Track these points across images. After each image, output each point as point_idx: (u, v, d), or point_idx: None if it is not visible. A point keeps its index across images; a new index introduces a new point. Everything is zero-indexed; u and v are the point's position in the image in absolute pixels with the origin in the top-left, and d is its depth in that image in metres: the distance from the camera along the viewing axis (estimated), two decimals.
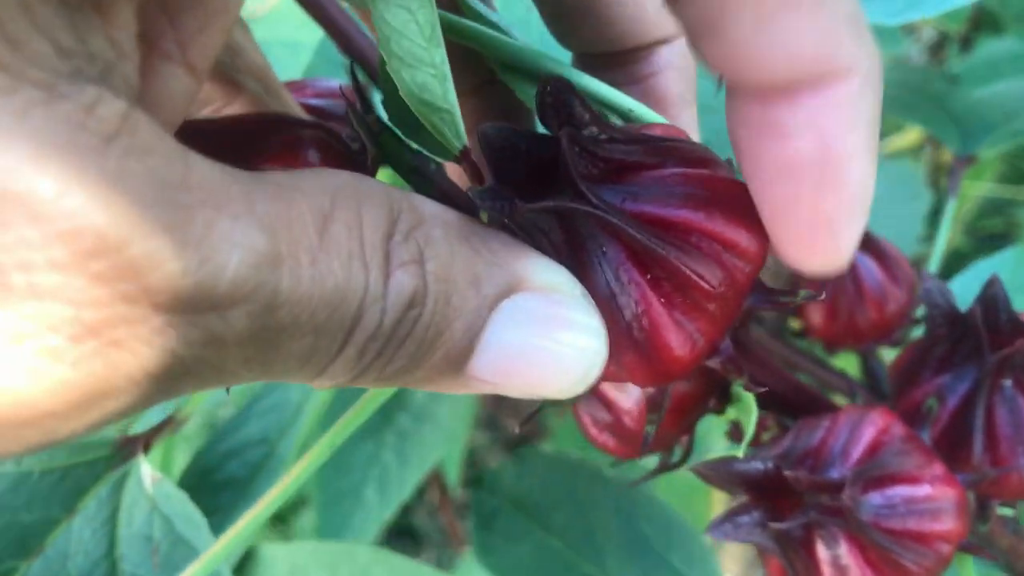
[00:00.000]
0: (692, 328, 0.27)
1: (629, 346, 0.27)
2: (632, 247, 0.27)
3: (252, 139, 0.30)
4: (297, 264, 0.20)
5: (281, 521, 1.05)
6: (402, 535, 1.26)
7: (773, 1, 0.23)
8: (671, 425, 0.41)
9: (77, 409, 0.18)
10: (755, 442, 0.44)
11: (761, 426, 0.44)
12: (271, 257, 0.20)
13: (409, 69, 0.27)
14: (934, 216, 0.90)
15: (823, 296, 0.28)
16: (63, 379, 0.17)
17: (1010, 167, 1.31)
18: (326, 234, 0.21)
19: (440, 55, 0.28)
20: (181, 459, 0.62)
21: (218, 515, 0.54)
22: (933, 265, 0.58)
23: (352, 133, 0.32)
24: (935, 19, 1.21)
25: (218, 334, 0.19)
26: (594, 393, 0.42)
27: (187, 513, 0.41)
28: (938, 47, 1.34)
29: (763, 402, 0.43)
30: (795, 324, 0.60)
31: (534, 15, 0.35)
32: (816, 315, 0.57)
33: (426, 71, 0.27)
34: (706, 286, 0.27)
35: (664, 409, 0.30)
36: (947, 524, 0.39)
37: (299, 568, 0.55)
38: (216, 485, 0.56)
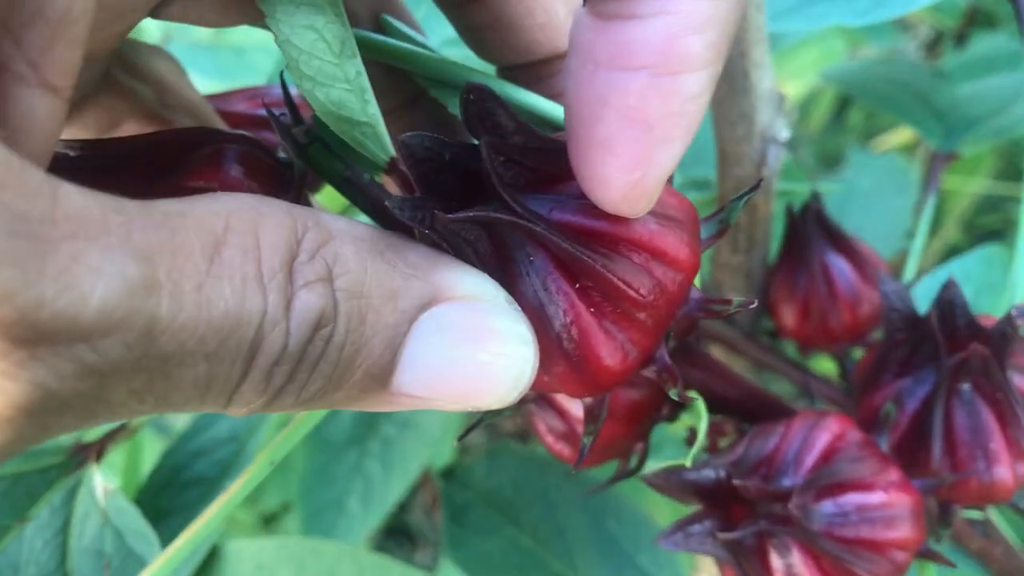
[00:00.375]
0: (623, 338, 0.27)
1: (560, 357, 0.27)
2: (560, 257, 0.26)
3: (172, 154, 0.30)
4: (179, 291, 0.20)
5: (274, 519, 1.06)
6: (396, 534, 1.26)
7: None
8: (625, 432, 0.40)
9: None
10: (712, 448, 0.44)
11: (719, 431, 0.44)
12: (145, 285, 0.19)
13: (322, 88, 0.27)
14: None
15: (754, 304, 0.28)
16: None
17: (1006, 163, 1.30)
18: (217, 259, 0.21)
19: (354, 68, 0.27)
20: (149, 457, 0.62)
21: (184, 513, 0.54)
22: (911, 263, 0.57)
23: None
24: (931, 16, 1.20)
25: (91, 365, 0.19)
26: (546, 401, 0.42)
27: (138, 528, 0.41)
28: (934, 44, 1.33)
29: (719, 408, 0.43)
30: (769, 325, 0.59)
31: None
32: (789, 316, 0.57)
33: (340, 87, 0.27)
34: (635, 295, 0.26)
35: (601, 420, 0.30)
36: (902, 532, 0.38)
37: (265, 565, 0.54)
38: (184, 483, 0.56)
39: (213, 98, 0.44)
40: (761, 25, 0.50)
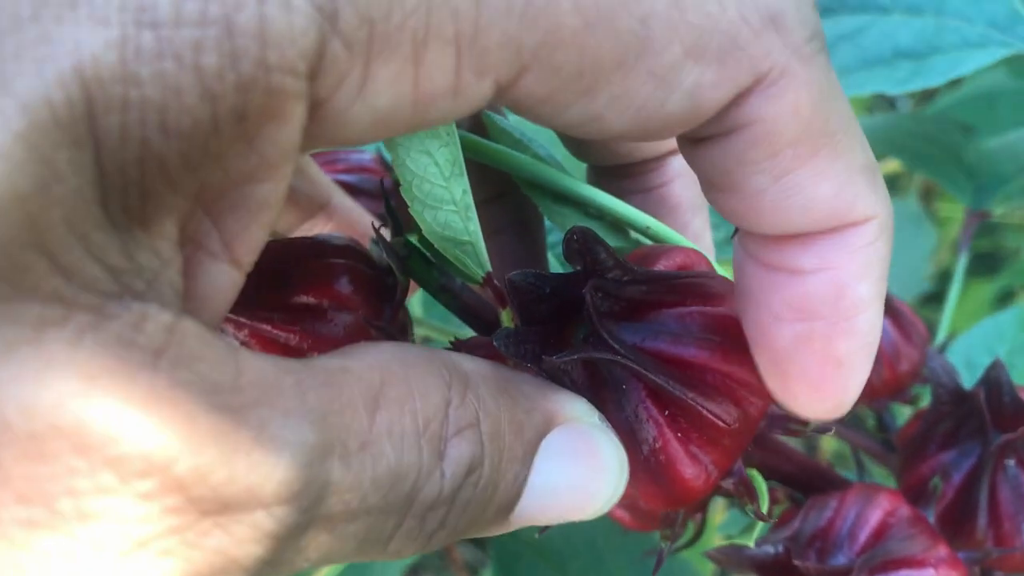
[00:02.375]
0: (707, 461, 0.29)
1: (646, 476, 0.29)
2: (651, 386, 0.28)
3: (282, 270, 0.32)
4: (347, 452, 0.21)
5: None
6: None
7: (789, 156, 0.24)
8: (689, 509, 0.42)
9: None
10: (767, 515, 0.46)
11: (772, 499, 0.46)
12: (320, 451, 0.20)
13: (431, 210, 0.29)
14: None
15: (831, 431, 0.30)
16: None
17: None
18: (377, 414, 0.22)
19: (461, 188, 0.29)
20: None
21: None
22: (944, 323, 0.59)
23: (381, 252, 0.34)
24: None
25: (268, 531, 0.20)
26: None
27: None
28: None
29: (774, 478, 0.45)
30: None
31: None
32: None
33: (447, 209, 0.29)
34: (720, 424, 0.28)
35: (678, 527, 0.32)
36: None
37: None
38: None
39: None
40: None
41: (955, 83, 1.19)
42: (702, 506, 0.44)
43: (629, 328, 0.28)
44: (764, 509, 0.39)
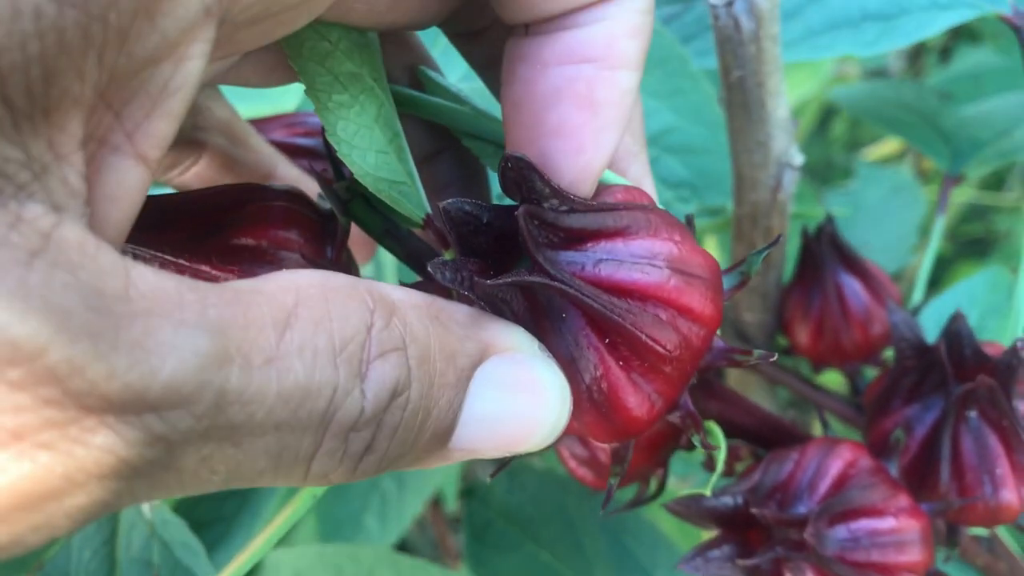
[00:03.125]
0: (650, 389, 0.29)
1: (590, 407, 0.29)
2: (590, 313, 0.28)
3: (222, 213, 0.31)
4: (248, 364, 0.21)
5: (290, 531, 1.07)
6: (394, 548, 1.27)
7: None
8: (645, 460, 0.42)
9: (14, 512, 0.19)
10: (729, 471, 0.46)
11: (735, 455, 0.46)
12: (216, 358, 0.20)
13: (359, 152, 0.29)
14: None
15: (775, 357, 0.29)
16: None
17: (991, 175, 1.32)
18: (287, 333, 0.22)
19: (390, 131, 0.29)
20: None
21: (222, 524, 0.56)
22: (920, 285, 0.59)
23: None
24: None
25: (160, 434, 0.20)
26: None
27: (185, 539, 0.43)
28: (915, 56, 1.35)
29: (736, 434, 0.45)
30: (783, 342, 0.61)
31: None
32: (803, 334, 0.59)
33: (377, 150, 0.29)
34: (662, 350, 0.28)
35: (627, 462, 0.32)
36: (912, 555, 0.40)
37: (303, 572, 0.56)
38: (222, 494, 0.58)
39: (251, 124, 0.45)
40: (776, 56, 0.51)
41: (943, 60, 1.20)
42: (663, 461, 0.44)
43: (568, 257, 0.28)
44: (721, 459, 0.39)
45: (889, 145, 1.33)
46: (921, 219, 0.92)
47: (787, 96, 0.54)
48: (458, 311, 0.27)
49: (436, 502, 1.02)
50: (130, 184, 0.22)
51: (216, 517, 0.57)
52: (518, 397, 0.27)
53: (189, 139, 0.35)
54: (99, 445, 0.19)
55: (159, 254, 0.30)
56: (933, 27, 0.57)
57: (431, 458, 0.26)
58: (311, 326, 0.22)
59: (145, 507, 0.45)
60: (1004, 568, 0.52)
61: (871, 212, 0.92)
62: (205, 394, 0.20)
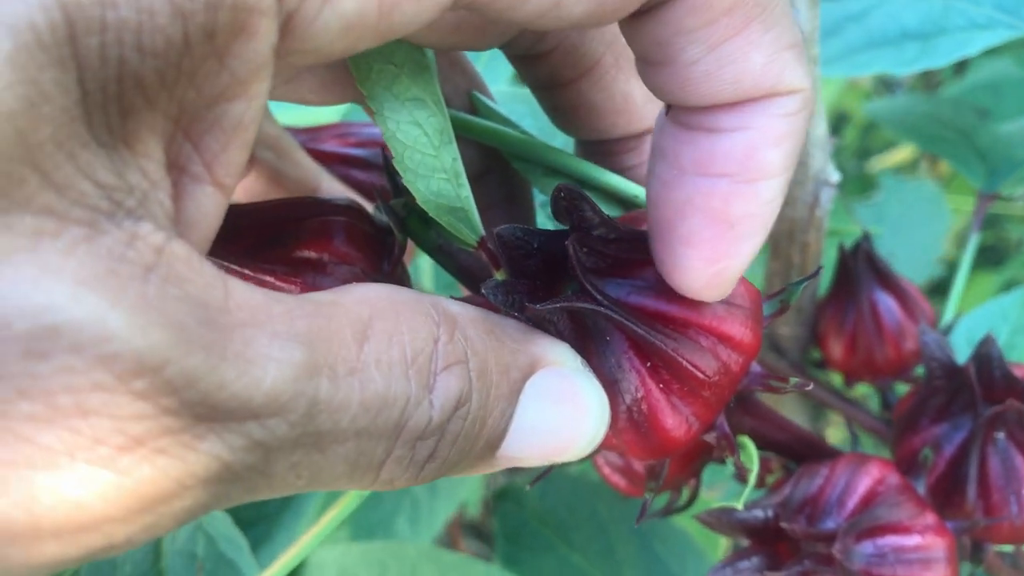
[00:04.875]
0: (688, 412, 0.30)
1: (629, 426, 0.30)
2: (634, 338, 0.29)
3: (284, 225, 0.33)
4: (334, 374, 0.22)
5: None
6: None
7: (723, 25, 0.25)
8: (679, 471, 0.43)
9: (132, 513, 0.20)
10: (760, 483, 0.47)
11: (766, 468, 0.47)
12: (308, 369, 0.22)
13: (423, 179, 0.30)
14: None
15: (810, 386, 0.31)
16: (115, 485, 0.20)
17: None
18: (365, 344, 0.23)
19: (450, 156, 0.30)
20: None
21: (264, 524, 0.58)
22: (951, 304, 0.60)
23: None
24: None
25: (259, 440, 0.21)
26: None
27: (230, 534, 0.44)
28: None
29: (768, 447, 0.46)
30: (816, 356, 0.62)
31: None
32: (836, 349, 0.60)
33: (439, 177, 0.30)
34: (701, 376, 0.29)
35: (662, 478, 0.33)
36: (936, 572, 0.41)
37: (348, 570, 0.57)
38: None
39: (301, 132, 0.46)
40: (817, 77, 0.52)
41: (960, 72, 1.19)
42: (696, 471, 0.45)
43: (614, 283, 0.29)
44: (754, 474, 0.40)
45: (902, 153, 1.33)
46: (946, 230, 0.93)
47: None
48: (510, 326, 0.28)
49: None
50: (210, 209, 0.24)
51: (259, 516, 0.58)
52: (562, 409, 0.28)
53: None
54: (207, 451, 0.20)
55: (227, 265, 0.31)
56: (972, 47, 0.58)
57: (480, 465, 0.28)
58: (386, 338, 0.24)
59: None
60: None
61: (896, 223, 0.93)
62: (299, 403, 0.22)
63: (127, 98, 0.20)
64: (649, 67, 0.27)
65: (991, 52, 1.28)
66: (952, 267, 1.29)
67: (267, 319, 0.22)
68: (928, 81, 1.34)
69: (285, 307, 0.22)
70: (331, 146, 0.46)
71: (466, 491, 0.78)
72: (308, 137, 0.46)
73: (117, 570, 0.45)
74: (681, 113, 0.28)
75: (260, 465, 0.22)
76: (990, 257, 1.48)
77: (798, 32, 0.27)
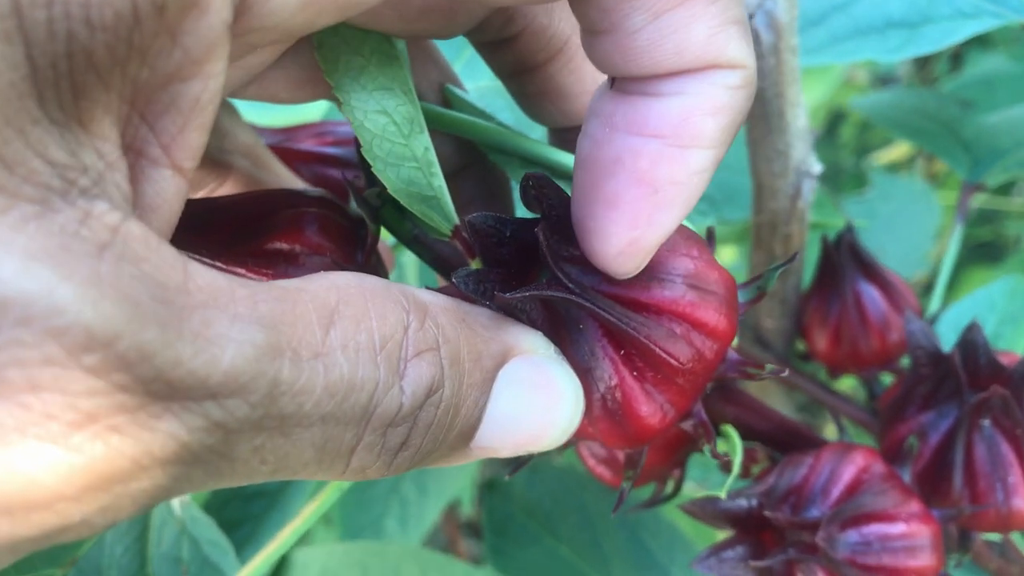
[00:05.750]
0: (662, 399, 0.30)
1: (604, 414, 0.30)
2: (607, 326, 0.29)
3: (257, 218, 0.33)
4: (298, 357, 0.22)
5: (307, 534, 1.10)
6: None
7: None
8: (662, 461, 0.43)
9: (86, 492, 0.20)
10: (745, 473, 0.47)
11: (751, 458, 0.47)
12: (269, 350, 0.21)
13: (393, 167, 0.30)
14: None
15: (785, 372, 0.30)
16: (66, 462, 0.19)
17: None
18: (331, 329, 0.23)
19: (421, 145, 0.30)
20: None
21: (249, 524, 0.58)
22: (937, 293, 0.60)
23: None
24: None
25: (218, 420, 0.21)
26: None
27: (214, 538, 0.44)
28: (925, 62, 1.34)
29: (752, 436, 0.45)
30: (801, 348, 0.62)
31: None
32: (821, 341, 0.59)
33: (409, 166, 0.30)
34: (675, 363, 0.29)
35: (640, 466, 0.33)
36: (922, 560, 0.41)
37: (330, 570, 0.57)
38: (248, 495, 0.59)
39: (278, 132, 0.46)
40: (795, 67, 0.52)
41: (955, 68, 1.20)
42: (679, 462, 0.45)
43: (586, 271, 0.29)
44: (737, 462, 0.40)
45: (899, 150, 1.33)
46: (936, 227, 0.93)
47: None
48: (482, 314, 0.28)
49: (450, 507, 1.03)
50: (169, 193, 0.24)
51: (244, 517, 0.58)
52: (536, 397, 0.28)
53: (216, 161, 0.37)
54: (164, 430, 0.20)
55: (197, 256, 0.31)
56: (957, 35, 0.58)
57: (454, 456, 0.28)
58: (353, 324, 0.23)
59: (176, 505, 0.47)
60: (1016, 572, 0.53)
61: (887, 220, 0.93)
62: (260, 384, 0.21)
63: (78, 75, 0.20)
64: (593, 37, 0.27)
65: (985, 47, 1.28)
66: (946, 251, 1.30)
67: (229, 301, 0.21)
68: (924, 77, 1.34)
69: (248, 291, 0.22)
70: (307, 145, 0.46)
71: (456, 490, 0.78)
72: (285, 137, 0.45)
73: (102, 574, 0.45)
74: (622, 83, 0.27)
75: (221, 447, 0.21)
76: (988, 252, 1.48)
77: (743, 10, 0.26)
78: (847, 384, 0.65)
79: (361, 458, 0.24)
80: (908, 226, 0.93)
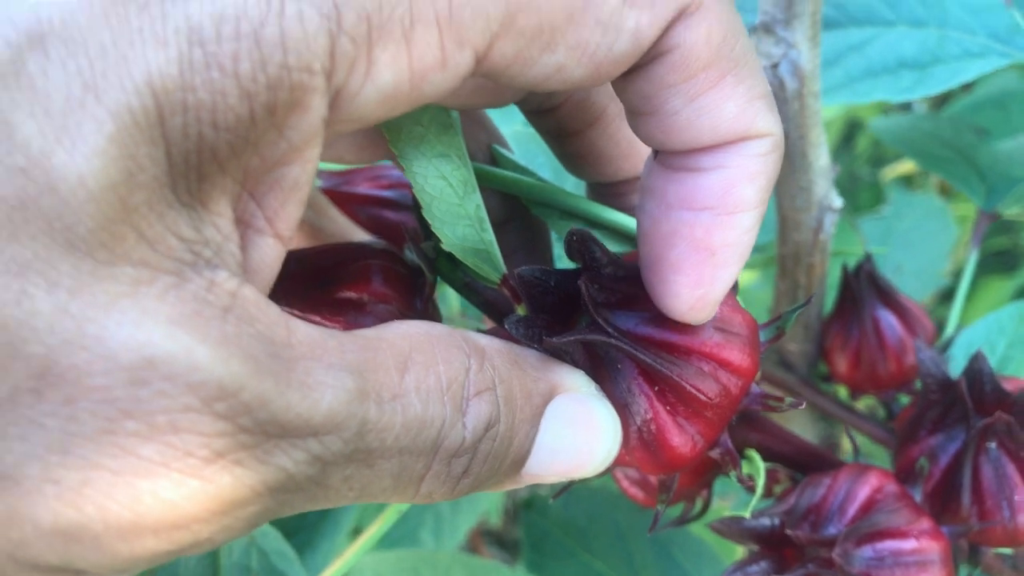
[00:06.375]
0: (693, 431, 0.33)
1: (640, 444, 0.33)
2: (642, 365, 0.33)
3: (328, 269, 0.37)
4: (380, 399, 0.26)
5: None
6: None
7: (701, 79, 0.29)
8: (691, 483, 0.47)
9: (214, 515, 0.24)
10: (768, 493, 0.50)
11: (774, 479, 0.50)
12: (359, 394, 0.25)
13: (448, 226, 0.33)
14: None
15: (803, 405, 0.34)
16: (201, 490, 0.23)
17: None
18: (406, 374, 0.27)
19: (473, 204, 0.34)
20: None
21: (305, 533, 0.61)
22: (953, 318, 0.63)
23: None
24: None
25: (318, 455, 0.25)
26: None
27: (281, 548, 0.48)
28: None
29: (774, 459, 0.49)
30: (823, 370, 0.65)
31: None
32: (841, 363, 0.63)
33: (463, 223, 0.34)
34: (704, 398, 0.33)
35: (672, 491, 0.36)
36: (932, 573, 0.44)
37: (383, 575, 0.61)
38: None
39: (335, 176, 0.50)
40: (817, 111, 0.55)
41: (967, 87, 1.22)
42: (707, 483, 0.49)
43: (622, 315, 0.33)
44: (760, 484, 0.43)
45: (909, 164, 1.35)
46: (952, 243, 0.95)
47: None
48: (531, 356, 0.32)
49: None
50: (271, 258, 0.28)
51: (300, 526, 0.62)
52: (579, 431, 0.31)
53: None
54: (275, 463, 0.24)
55: (293, 311, 0.35)
56: (966, 74, 0.61)
57: (507, 482, 0.31)
58: (423, 369, 0.27)
59: None
60: None
61: (903, 237, 0.96)
62: (352, 423, 0.25)
63: (204, 166, 0.24)
64: (637, 117, 0.31)
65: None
66: (959, 267, 1.32)
67: (323, 352, 0.25)
68: (940, 96, 1.37)
69: (338, 342, 0.26)
70: (363, 188, 0.49)
71: (486, 504, 0.82)
72: (342, 180, 0.49)
73: None
74: (666, 156, 0.31)
75: (318, 477, 0.25)
76: (1004, 262, 1.50)
77: (767, 83, 0.30)
78: (866, 403, 0.68)
79: (429, 485, 0.28)
80: (924, 243, 0.96)
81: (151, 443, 0.23)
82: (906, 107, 1.40)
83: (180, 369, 0.22)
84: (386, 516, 0.39)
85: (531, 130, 0.42)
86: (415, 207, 0.38)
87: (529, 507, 0.71)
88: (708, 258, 0.31)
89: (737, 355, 0.33)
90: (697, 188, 0.30)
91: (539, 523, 0.69)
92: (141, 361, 0.22)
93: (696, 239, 0.30)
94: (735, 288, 0.37)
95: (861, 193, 1.52)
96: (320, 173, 0.49)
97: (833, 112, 1.20)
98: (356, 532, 1.15)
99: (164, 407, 0.22)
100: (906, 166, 1.43)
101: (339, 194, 0.47)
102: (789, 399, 0.35)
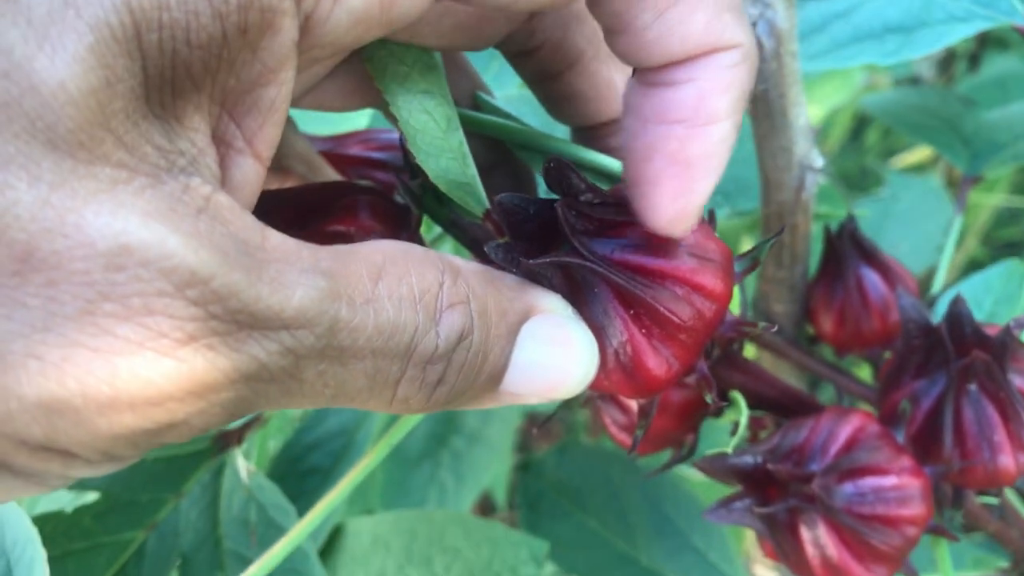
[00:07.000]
0: (667, 353, 0.34)
1: (616, 367, 0.35)
2: (618, 289, 0.34)
3: (318, 205, 0.38)
4: (352, 302, 0.27)
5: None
6: None
7: None
8: (676, 426, 0.48)
9: (189, 395, 0.25)
10: (754, 439, 0.51)
11: (760, 425, 0.51)
12: (330, 294, 0.27)
13: (432, 158, 0.35)
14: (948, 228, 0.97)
15: (775, 328, 0.35)
16: (175, 369, 0.24)
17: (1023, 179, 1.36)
18: (379, 282, 0.28)
19: (457, 140, 0.35)
20: (272, 449, 0.71)
21: (305, 498, 0.63)
22: (939, 277, 0.64)
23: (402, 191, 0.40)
24: None
25: (290, 347, 0.26)
26: (610, 398, 0.49)
27: (278, 502, 0.49)
28: (946, 64, 1.39)
29: (759, 405, 0.50)
30: (809, 331, 0.66)
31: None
32: (827, 323, 0.64)
33: (447, 156, 0.35)
34: (678, 320, 0.34)
35: (651, 416, 0.38)
36: (912, 509, 0.45)
37: (381, 536, 0.63)
38: (302, 472, 0.65)
39: (328, 140, 0.51)
40: (796, 70, 0.56)
41: (973, 70, 1.24)
42: (693, 427, 0.50)
43: (599, 241, 0.34)
44: (743, 423, 0.44)
45: (920, 153, 1.37)
46: (947, 221, 0.97)
47: (820, 106, 0.60)
48: (508, 278, 0.33)
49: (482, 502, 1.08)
50: (251, 176, 0.29)
51: (299, 492, 0.64)
52: (555, 350, 0.32)
53: (279, 166, 0.42)
54: (247, 352, 0.25)
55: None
56: (950, 37, 0.62)
57: (486, 397, 0.32)
58: (396, 279, 0.29)
59: (244, 475, 0.52)
60: (1015, 534, 0.57)
61: (901, 217, 0.98)
62: (323, 320, 0.26)
63: (179, 82, 0.26)
64: (612, 36, 0.32)
65: (1003, 49, 1.32)
66: (971, 265, 1.33)
67: (297, 258, 0.27)
68: (945, 80, 1.38)
69: (311, 251, 0.28)
70: (355, 150, 0.51)
71: (489, 477, 0.83)
72: (335, 143, 0.50)
73: (180, 537, 0.50)
74: (643, 73, 0.32)
75: (292, 369, 0.27)
76: (1014, 252, 1.50)
77: None
78: (859, 370, 0.70)
79: (405, 389, 0.29)
80: (921, 222, 0.97)
81: (127, 323, 0.24)
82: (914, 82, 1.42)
83: (153, 256, 0.24)
84: (369, 457, 0.40)
85: (525, 92, 0.44)
86: (401, 145, 0.39)
87: (525, 469, 0.73)
88: (684, 170, 0.31)
89: (711, 280, 0.34)
90: (671, 102, 0.31)
91: (535, 484, 0.71)
92: (117, 248, 0.24)
93: (672, 152, 0.31)
94: (712, 221, 0.38)
95: (871, 187, 1.53)
96: (313, 139, 0.50)
97: (837, 105, 1.22)
98: (367, 512, 1.16)
99: (139, 290, 0.24)
100: (914, 156, 1.44)
101: (332, 156, 0.49)
102: (763, 323, 0.36)
